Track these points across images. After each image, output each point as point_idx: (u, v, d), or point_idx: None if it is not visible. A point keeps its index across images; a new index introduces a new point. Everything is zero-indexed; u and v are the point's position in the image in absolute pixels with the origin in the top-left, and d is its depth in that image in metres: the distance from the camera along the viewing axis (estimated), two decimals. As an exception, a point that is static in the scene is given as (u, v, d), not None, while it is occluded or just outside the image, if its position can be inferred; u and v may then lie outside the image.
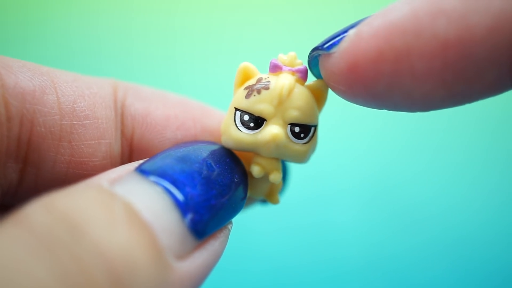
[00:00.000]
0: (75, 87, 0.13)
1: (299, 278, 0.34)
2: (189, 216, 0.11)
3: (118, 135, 0.14)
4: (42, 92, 0.12)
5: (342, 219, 0.37)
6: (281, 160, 0.14)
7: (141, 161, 0.12)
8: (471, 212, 0.37)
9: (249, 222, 0.13)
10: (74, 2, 0.52)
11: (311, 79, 0.14)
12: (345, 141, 0.40)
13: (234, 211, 0.12)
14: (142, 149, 0.14)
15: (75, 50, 0.44)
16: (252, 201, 0.16)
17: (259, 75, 0.13)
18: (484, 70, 0.10)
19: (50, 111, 0.12)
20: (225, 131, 0.13)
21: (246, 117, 0.13)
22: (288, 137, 0.13)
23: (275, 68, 0.13)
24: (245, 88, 0.13)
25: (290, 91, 0.12)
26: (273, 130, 0.12)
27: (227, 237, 0.12)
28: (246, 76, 0.13)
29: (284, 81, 0.12)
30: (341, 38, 0.11)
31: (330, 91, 0.13)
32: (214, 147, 0.13)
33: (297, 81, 0.13)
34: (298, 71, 0.13)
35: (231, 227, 0.13)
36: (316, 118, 0.13)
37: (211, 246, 0.12)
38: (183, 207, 0.11)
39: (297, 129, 0.13)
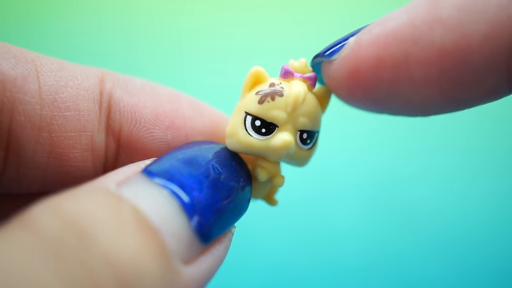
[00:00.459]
0: (58, 77, 0.13)
1: (298, 276, 0.34)
2: (196, 220, 0.11)
3: (102, 128, 0.14)
4: (24, 80, 0.12)
5: (340, 217, 0.37)
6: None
7: (147, 162, 0.12)
8: (469, 211, 0.37)
9: (247, 221, 0.13)
10: (79, 1, 0.52)
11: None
12: (343, 140, 0.40)
13: (239, 214, 0.12)
14: (130, 146, 0.14)
15: (79, 50, 0.44)
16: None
17: (270, 80, 0.13)
18: (481, 77, 0.10)
19: (31, 100, 0.12)
20: (232, 134, 0.13)
21: (258, 123, 0.13)
22: (297, 143, 0.13)
23: (287, 74, 0.13)
24: (257, 93, 0.13)
25: (304, 99, 0.12)
26: (285, 137, 0.12)
27: (231, 240, 0.12)
28: (256, 80, 0.13)
29: (300, 89, 0.12)
30: (342, 46, 0.11)
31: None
32: (220, 149, 0.13)
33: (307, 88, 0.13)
34: (309, 78, 0.13)
35: (234, 231, 0.13)
36: (320, 123, 0.14)
37: (216, 250, 0.12)
38: (190, 212, 0.11)
39: (305, 136, 0.13)
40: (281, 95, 0.12)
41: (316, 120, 0.13)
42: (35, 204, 0.09)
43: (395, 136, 0.41)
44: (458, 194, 0.38)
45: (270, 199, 0.15)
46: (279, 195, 0.16)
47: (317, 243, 0.35)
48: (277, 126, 0.13)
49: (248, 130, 0.13)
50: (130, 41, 0.48)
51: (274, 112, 0.12)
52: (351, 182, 0.39)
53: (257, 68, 0.13)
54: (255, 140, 0.13)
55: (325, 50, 0.12)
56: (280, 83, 0.13)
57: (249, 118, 0.13)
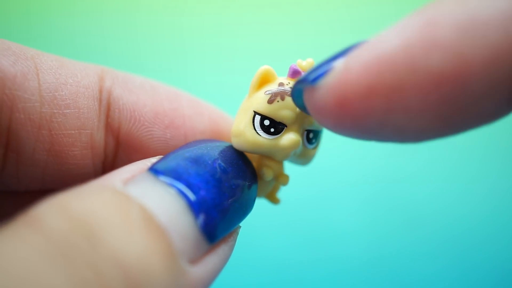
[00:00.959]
0: (58, 74, 0.13)
1: (298, 275, 0.34)
2: (203, 220, 0.11)
3: (102, 126, 0.14)
4: (24, 78, 0.12)
5: (340, 216, 0.37)
6: None
7: (152, 160, 0.12)
8: (469, 210, 0.37)
9: (248, 220, 0.13)
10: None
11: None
12: (343, 139, 0.40)
13: (245, 213, 0.12)
14: (129, 144, 0.14)
15: (81, 47, 0.44)
16: None
17: (278, 80, 0.13)
18: (481, 103, 0.09)
19: (30, 98, 0.12)
20: (240, 134, 0.13)
21: (267, 122, 0.13)
22: (303, 143, 0.13)
23: (295, 74, 0.13)
24: (267, 93, 0.13)
25: None
26: (293, 137, 0.12)
27: (236, 240, 0.12)
28: (265, 80, 0.13)
29: None
30: (327, 70, 0.10)
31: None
32: (225, 148, 0.13)
33: None
34: None
35: (239, 230, 0.13)
36: None
37: (222, 250, 0.11)
38: (197, 211, 0.11)
39: (311, 135, 0.13)
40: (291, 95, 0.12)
41: None
42: (41, 202, 0.09)
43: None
44: (458, 193, 0.38)
45: (272, 198, 0.15)
46: (280, 194, 0.16)
47: (317, 242, 0.35)
48: (286, 126, 0.13)
49: (256, 129, 0.13)
50: (133, 40, 0.48)
51: (283, 111, 0.12)
52: (351, 181, 0.39)
53: (266, 67, 0.13)
54: (263, 139, 0.13)
55: (307, 74, 0.11)
56: (289, 82, 0.13)
57: (258, 118, 0.13)
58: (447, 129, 0.10)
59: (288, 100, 0.12)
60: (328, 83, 0.10)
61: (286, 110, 0.12)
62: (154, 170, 0.11)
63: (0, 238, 0.08)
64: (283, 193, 0.16)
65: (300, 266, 0.34)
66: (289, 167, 0.16)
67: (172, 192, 0.11)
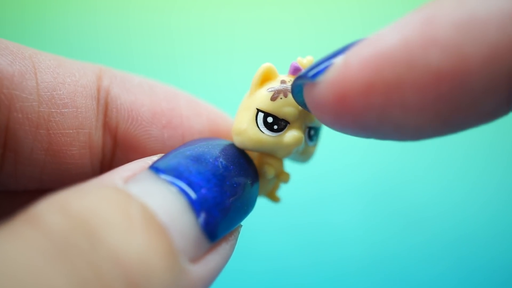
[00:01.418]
0: (56, 73, 0.13)
1: (299, 278, 0.33)
2: (204, 218, 0.10)
3: (100, 125, 0.14)
4: (21, 77, 0.12)
5: (342, 219, 0.36)
6: None
7: (153, 158, 0.12)
8: (472, 212, 0.36)
9: (249, 222, 0.13)
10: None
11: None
12: (346, 141, 0.40)
13: (246, 212, 0.12)
14: (127, 143, 0.14)
15: (79, 47, 0.43)
16: None
17: (280, 77, 0.13)
18: (480, 100, 0.09)
19: (28, 97, 0.12)
20: (242, 132, 0.13)
21: (270, 119, 0.13)
22: (305, 140, 0.13)
23: (296, 71, 0.13)
24: (269, 90, 0.13)
25: None
26: (296, 134, 0.13)
27: (237, 239, 0.12)
28: (266, 77, 0.13)
29: None
30: (327, 67, 0.10)
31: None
32: (227, 146, 0.13)
33: None
34: None
35: (240, 229, 0.12)
36: None
37: (223, 249, 0.11)
38: (198, 210, 0.10)
39: (312, 132, 0.13)
40: None
41: None
42: (40, 200, 0.09)
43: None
44: (461, 195, 0.38)
45: (273, 196, 0.15)
46: (282, 197, 0.16)
47: (319, 244, 0.35)
48: (288, 123, 0.13)
49: (259, 127, 0.13)
50: (131, 39, 0.48)
51: (286, 108, 0.12)
52: (354, 183, 0.39)
53: (267, 65, 0.13)
54: (267, 137, 0.13)
55: (307, 70, 0.11)
56: (291, 80, 0.13)
57: (261, 115, 0.13)
58: (445, 127, 0.10)
59: (291, 97, 0.12)
60: (327, 79, 0.10)
61: (289, 107, 0.12)
62: (155, 168, 0.11)
63: None
64: (285, 195, 0.16)
65: (302, 269, 0.34)
66: (291, 169, 0.16)
67: (173, 190, 0.10)
